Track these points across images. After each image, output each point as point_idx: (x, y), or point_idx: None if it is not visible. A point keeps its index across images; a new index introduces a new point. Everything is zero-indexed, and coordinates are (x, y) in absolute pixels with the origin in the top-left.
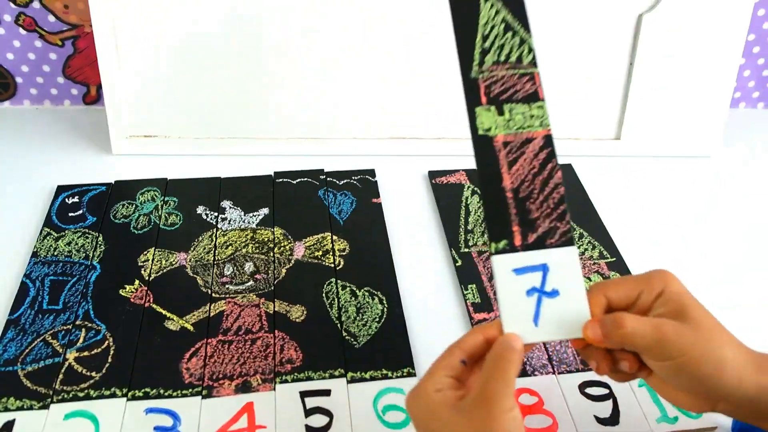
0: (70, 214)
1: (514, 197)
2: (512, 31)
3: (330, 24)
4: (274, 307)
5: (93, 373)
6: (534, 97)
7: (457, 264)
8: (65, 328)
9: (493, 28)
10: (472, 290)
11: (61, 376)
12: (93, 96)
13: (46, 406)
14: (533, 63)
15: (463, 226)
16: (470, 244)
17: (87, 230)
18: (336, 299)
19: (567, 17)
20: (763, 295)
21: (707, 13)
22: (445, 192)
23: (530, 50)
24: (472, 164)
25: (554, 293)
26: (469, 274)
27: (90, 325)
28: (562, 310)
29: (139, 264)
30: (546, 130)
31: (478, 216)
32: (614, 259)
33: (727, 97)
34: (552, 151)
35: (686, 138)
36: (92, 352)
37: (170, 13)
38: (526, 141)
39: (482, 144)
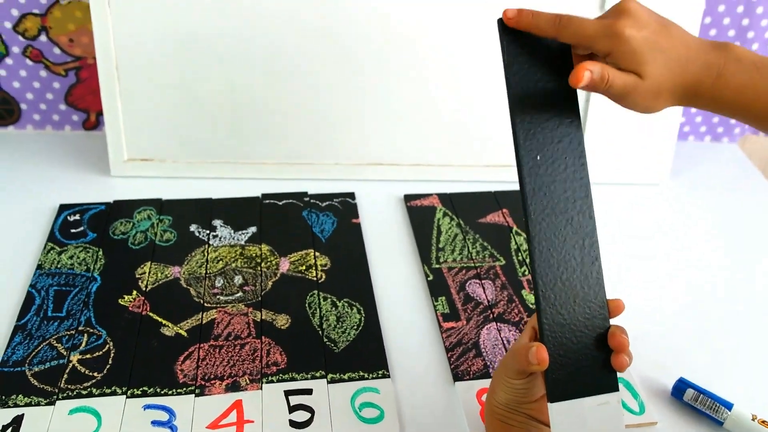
0: (72, 231)
1: None
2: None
3: (314, 57)
4: (261, 316)
5: (95, 374)
6: None
7: (428, 278)
8: (69, 333)
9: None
10: (442, 302)
11: (65, 376)
12: (93, 122)
13: (52, 403)
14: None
15: (434, 245)
16: (441, 260)
17: (88, 245)
18: (318, 309)
19: None
20: (706, 310)
21: None
22: (419, 214)
23: None
24: (444, 189)
25: None
26: (440, 287)
27: (91, 330)
28: None
29: (137, 276)
30: None
31: (449, 235)
32: None
33: (674, 130)
34: None
35: (637, 167)
36: (94, 355)
37: (168, 45)
38: None
39: None
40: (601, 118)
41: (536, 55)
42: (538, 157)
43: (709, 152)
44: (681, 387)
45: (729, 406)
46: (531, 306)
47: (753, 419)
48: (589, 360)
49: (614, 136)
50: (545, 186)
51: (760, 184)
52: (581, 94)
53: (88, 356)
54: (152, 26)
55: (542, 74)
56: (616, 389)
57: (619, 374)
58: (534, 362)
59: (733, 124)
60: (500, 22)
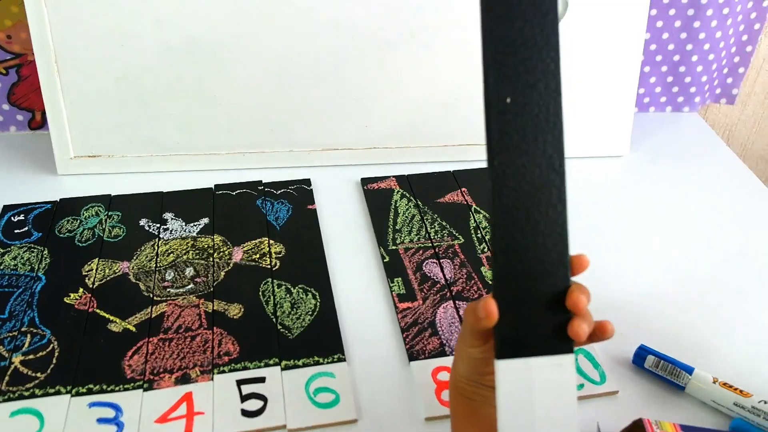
0: (16, 231)
1: None
2: None
3: (263, 42)
4: (213, 307)
5: (38, 374)
6: None
7: (384, 260)
8: (11, 334)
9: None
10: (398, 283)
11: (6, 378)
12: (38, 121)
13: None
14: None
15: (391, 226)
16: (397, 242)
17: (32, 245)
18: (272, 296)
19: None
20: (667, 278)
21: (606, 26)
22: (376, 197)
23: None
24: (402, 171)
25: None
26: (396, 268)
27: (35, 330)
28: None
29: (84, 273)
30: None
31: (406, 217)
32: None
33: (631, 100)
34: None
35: (598, 140)
36: (37, 355)
37: (109, 38)
38: None
39: None
40: None
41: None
42: (508, 100)
43: (670, 122)
44: (641, 354)
45: (690, 370)
46: (490, 282)
47: (714, 382)
48: (543, 318)
49: (573, 110)
50: (513, 131)
51: (722, 151)
52: None
53: (31, 357)
54: (92, 17)
55: (521, 15)
56: (570, 351)
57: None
58: (482, 315)
59: (693, 92)
60: None
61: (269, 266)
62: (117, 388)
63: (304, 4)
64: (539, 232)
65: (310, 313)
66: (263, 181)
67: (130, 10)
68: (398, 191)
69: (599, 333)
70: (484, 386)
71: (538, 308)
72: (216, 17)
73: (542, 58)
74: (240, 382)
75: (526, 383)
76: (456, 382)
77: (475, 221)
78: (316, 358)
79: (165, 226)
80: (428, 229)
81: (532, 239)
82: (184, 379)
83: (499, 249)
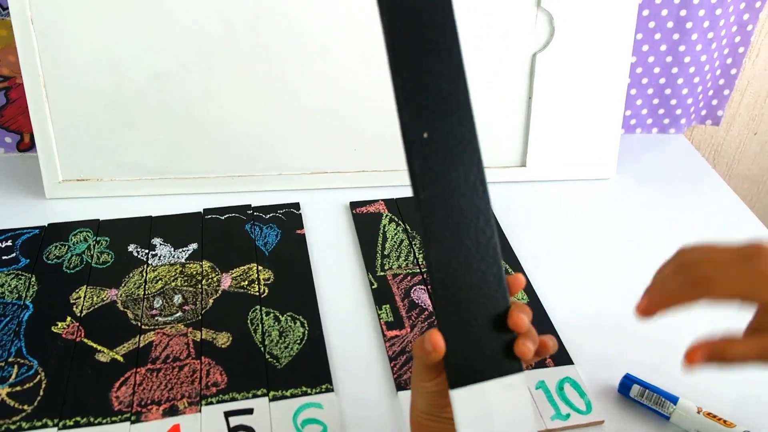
0: (3, 258)
1: None
2: None
3: (251, 66)
4: (201, 335)
5: (25, 406)
6: None
7: (373, 286)
8: None
9: None
10: (386, 310)
11: None
12: (27, 143)
13: None
14: None
15: (380, 252)
16: (386, 267)
17: (20, 272)
18: (260, 325)
19: (467, 57)
20: None
21: (593, 50)
22: (365, 221)
23: None
24: (391, 194)
25: None
26: (384, 295)
27: (22, 361)
28: None
29: (71, 301)
30: None
31: (394, 242)
32: None
33: (617, 123)
34: None
35: (585, 163)
36: (24, 387)
37: (98, 62)
38: None
39: None
40: (544, 113)
41: (419, 11)
42: (425, 135)
43: (657, 144)
44: (627, 383)
45: (674, 399)
46: None
47: (698, 412)
48: (490, 343)
49: (559, 133)
50: (435, 164)
51: (707, 173)
52: (523, 88)
53: (18, 388)
54: (80, 42)
55: (426, 33)
56: (520, 370)
57: (567, 374)
58: (429, 349)
59: (678, 114)
60: None
61: (258, 293)
62: (104, 421)
63: (292, 31)
64: (472, 258)
65: (299, 341)
66: (252, 205)
67: (119, 35)
68: (387, 215)
69: (542, 350)
70: (445, 419)
71: (482, 333)
72: (204, 42)
73: (452, 91)
74: (228, 414)
75: (482, 408)
76: (417, 419)
77: None
78: (304, 389)
79: (153, 252)
80: (416, 254)
81: (467, 266)
82: (172, 411)
83: (436, 280)
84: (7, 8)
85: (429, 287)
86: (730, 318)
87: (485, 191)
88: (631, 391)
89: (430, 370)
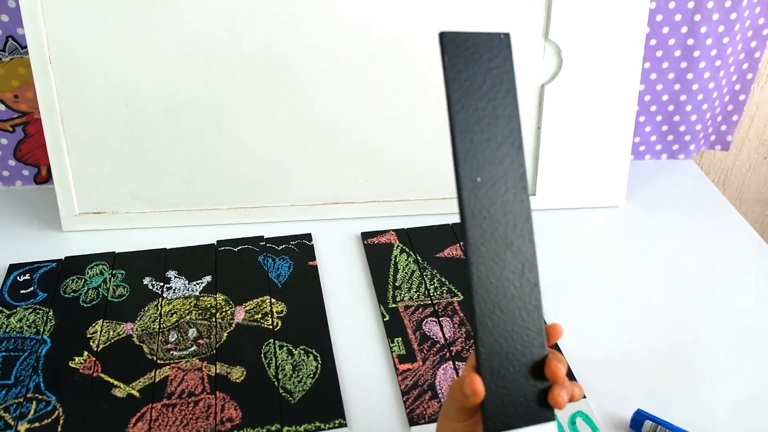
0: (22, 292)
1: None
2: None
3: (263, 99)
4: (216, 370)
5: None
6: None
7: (385, 319)
8: (17, 401)
9: None
10: (398, 343)
11: None
12: (44, 176)
13: None
14: None
15: (391, 283)
16: (397, 299)
17: (38, 306)
18: (274, 359)
19: None
20: (666, 337)
21: (601, 80)
22: (376, 251)
23: None
24: (402, 224)
25: None
26: (396, 327)
27: (41, 397)
28: None
29: (88, 336)
30: None
31: (405, 273)
32: None
33: (626, 153)
34: None
35: (595, 191)
36: (43, 423)
37: (113, 97)
38: None
39: None
40: (553, 142)
41: (479, 72)
42: (479, 179)
43: (666, 169)
44: (639, 419)
45: None
46: None
47: None
48: (525, 389)
49: (568, 162)
50: (485, 209)
51: (717, 200)
52: (531, 118)
53: (36, 425)
54: (96, 79)
55: (484, 91)
56: (552, 419)
57: (579, 408)
58: (469, 393)
59: (687, 140)
60: (441, 36)
61: (271, 326)
62: None
63: (302, 63)
64: (515, 304)
65: (312, 375)
66: (265, 236)
67: (133, 70)
68: (398, 246)
69: (570, 397)
70: None
71: (520, 380)
72: (215, 75)
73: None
74: None
75: None
76: None
77: None
78: (318, 424)
79: (168, 285)
80: (427, 285)
81: (510, 313)
82: None
83: (480, 325)
84: (26, 47)
85: (470, 329)
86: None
87: (532, 240)
88: (643, 427)
89: (464, 411)
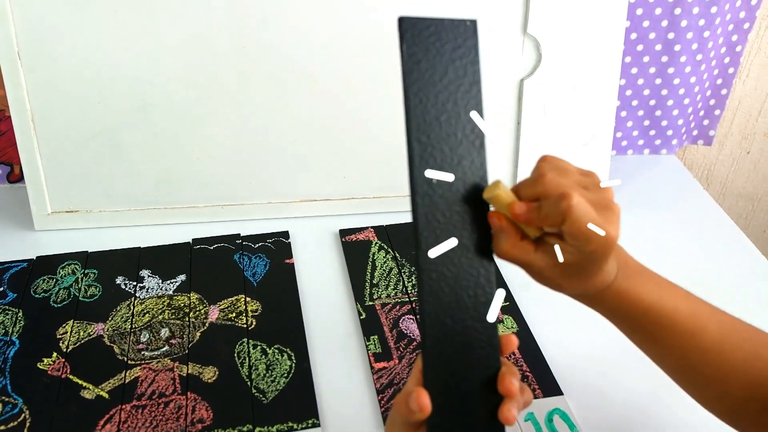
0: None
1: None
2: None
3: (239, 96)
4: (188, 370)
5: None
6: None
7: (361, 317)
8: None
9: None
10: (374, 341)
11: None
12: (17, 174)
13: None
14: None
15: (369, 280)
16: (374, 297)
17: (7, 307)
18: (247, 358)
19: None
20: None
21: (581, 75)
22: (354, 249)
23: None
24: (380, 221)
25: None
26: (372, 325)
27: (7, 399)
28: None
29: (58, 336)
30: None
31: (383, 270)
32: (507, 303)
33: (607, 147)
34: None
35: None
36: (8, 426)
37: (85, 94)
38: None
39: None
40: (533, 139)
41: (440, 63)
42: (434, 180)
43: (648, 164)
44: None
45: None
46: None
47: None
48: (475, 405)
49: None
50: (440, 212)
51: (699, 195)
52: (511, 114)
53: (2, 428)
54: (67, 75)
55: (445, 84)
56: None
57: (556, 405)
58: (415, 409)
59: (670, 135)
60: (400, 21)
61: (245, 325)
62: None
63: (279, 60)
64: (468, 315)
65: (285, 375)
66: (241, 234)
67: (106, 67)
68: (376, 243)
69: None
70: None
71: (469, 395)
72: (191, 73)
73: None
74: None
75: None
76: None
77: None
78: (290, 424)
79: (141, 284)
80: (405, 282)
81: (462, 323)
82: None
83: (428, 336)
84: None
85: (420, 329)
86: None
87: (489, 248)
88: None
89: (409, 426)
